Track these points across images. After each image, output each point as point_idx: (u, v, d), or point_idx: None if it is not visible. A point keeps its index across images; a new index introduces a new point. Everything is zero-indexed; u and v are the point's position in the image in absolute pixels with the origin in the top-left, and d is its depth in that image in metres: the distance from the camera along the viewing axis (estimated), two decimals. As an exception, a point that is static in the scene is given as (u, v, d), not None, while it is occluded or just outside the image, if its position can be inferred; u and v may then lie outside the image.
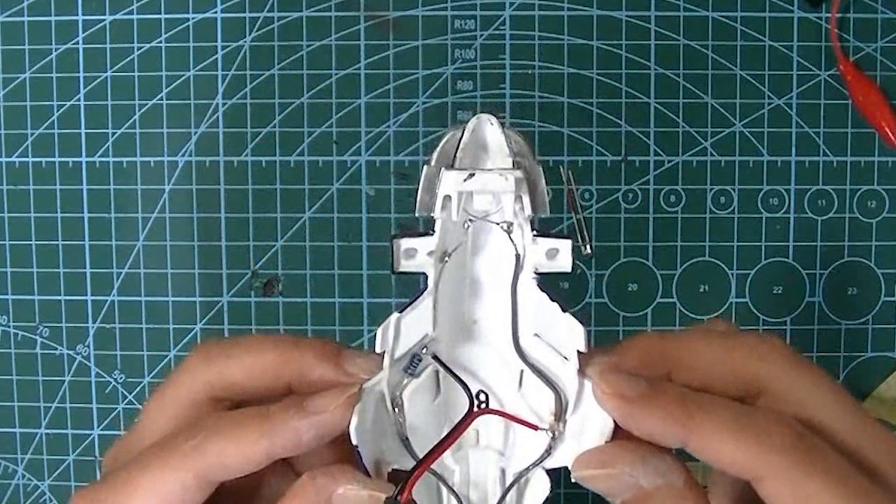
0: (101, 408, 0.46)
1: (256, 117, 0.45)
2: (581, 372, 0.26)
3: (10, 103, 0.46)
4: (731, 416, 0.23)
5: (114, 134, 0.45)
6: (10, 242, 0.46)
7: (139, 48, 0.45)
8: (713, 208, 0.45)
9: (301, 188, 0.45)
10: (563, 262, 0.27)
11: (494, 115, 0.27)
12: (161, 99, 0.45)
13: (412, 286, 0.46)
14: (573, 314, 0.26)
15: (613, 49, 0.45)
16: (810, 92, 0.45)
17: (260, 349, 0.26)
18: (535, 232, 0.27)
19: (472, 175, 0.26)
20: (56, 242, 0.46)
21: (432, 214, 0.27)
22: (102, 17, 0.45)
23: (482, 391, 0.28)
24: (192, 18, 0.45)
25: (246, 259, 0.46)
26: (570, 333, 0.26)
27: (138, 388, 0.46)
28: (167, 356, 0.46)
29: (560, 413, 0.27)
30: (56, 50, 0.45)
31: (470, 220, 0.27)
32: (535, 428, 0.27)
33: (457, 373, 0.27)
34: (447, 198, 0.26)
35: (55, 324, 0.46)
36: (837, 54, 0.44)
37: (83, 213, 0.46)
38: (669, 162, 0.45)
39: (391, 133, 0.45)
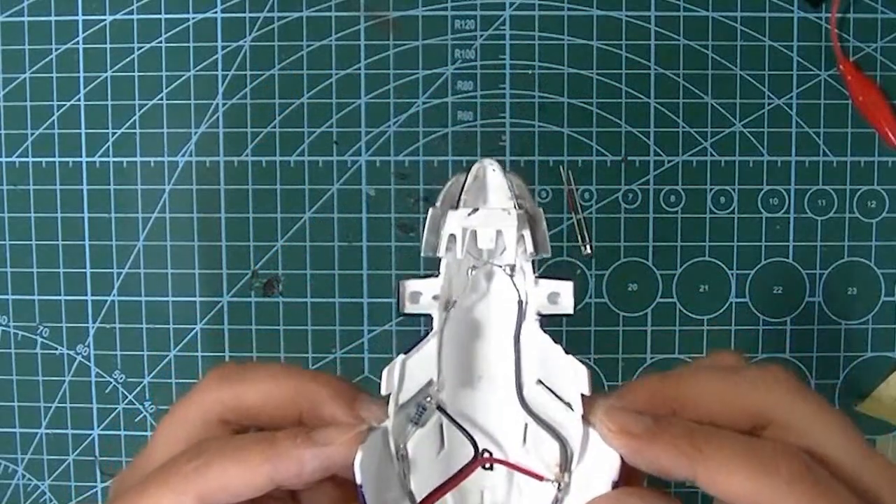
0: (101, 408, 0.46)
1: (256, 117, 0.45)
2: (586, 420, 0.26)
3: (10, 103, 0.46)
4: (739, 449, 0.23)
5: (114, 134, 0.45)
6: (10, 242, 0.46)
7: (139, 48, 0.45)
8: (713, 208, 0.45)
9: (301, 188, 0.45)
10: (566, 305, 0.28)
11: (496, 161, 0.28)
12: (161, 99, 0.45)
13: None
14: (577, 357, 0.26)
15: (613, 49, 0.45)
16: (810, 92, 0.45)
17: (278, 377, 0.26)
18: (536, 274, 0.27)
19: (475, 210, 0.27)
20: (56, 242, 0.46)
21: (437, 255, 0.27)
22: (102, 17, 0.45)
23: (486, 450, 0.28)
24: (192, 18, 0.45)
25: (246, 259, 0.46)
26: (574, 377, 0.26)
27: (138, 388, 0.46)
28: (167, 356, 0.46)
29: (566, 464, 0.27)
30: (56, 50, 0.45)
31: (473, 266, 0.28)
32: (541, 478, 0.27)
33: (461, 422, 0.27)
34: (452, 237, 0.27)
35: (55, 324, 0.46)
36: (837, 54, 0.44)
37: (83, 213, 0.46)
38: (669, 162, 0.45)
39: (391, 133, 0.45)
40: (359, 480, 0.24)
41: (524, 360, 0.28)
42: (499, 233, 0.27)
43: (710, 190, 0.45)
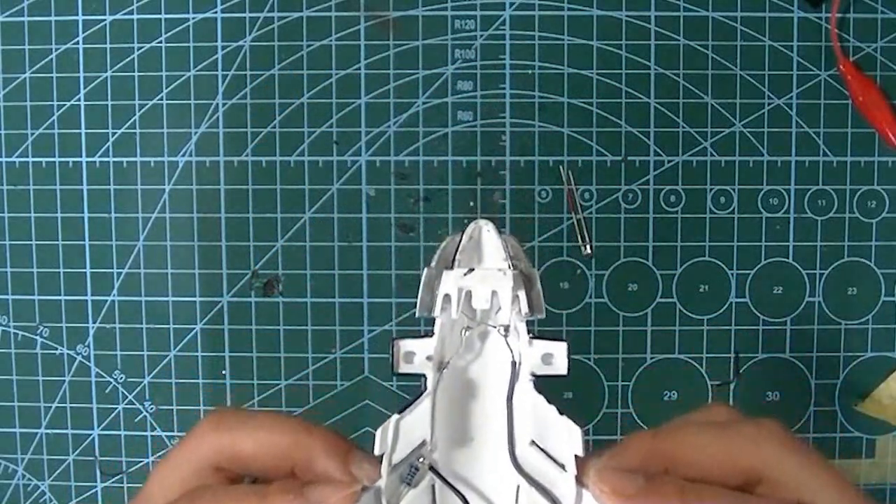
0: (101, 408, 0.46)
1: (256, 117, 0.45)
2: (579, 481, 0.26)
3: (10, 103, 0.46)
4: (721, 500, 0.24)
5: (114, 134, 0.45)
6: (10, 242, 0.46)
7: (139, 48, 0.45)
8: (713, 208, 0.45)
9: (301, 188, 0.45)
10: (559, 365, 0.27)
11: (491, 221, 0.28)
12: (161, 99, 0.45)
13: (412, 288, 0.46)
14: (570, 417, 0.26)
15: (613, 49, 0.45)
16: (810, 92, 0.45)
17: (274, 427, 0.26)
18: (531, 335, 0.27)
19: (471, 270, 0.27)
20: (56, 242, 0.46)
21: (433, 315, 0.27)
22: (102, 17, 0.45)
23: None
24: (192, 18, 0.45)
25: (246, 259, 0.46)
26: (567, 437, 0.26)
27: (138, 388, 0.46)
28: (167, 356, 0.46)
29: None
30: (56, 50, 0.45)
31: (468, 326, 0.28)
32: None
33: (454, 483, 0.27)
34: (447, 297, 0.27)
35: (55, 324, 0.46)
36: (837, 54, 0.44)
37: (83, 213, 0.46)
38: (669, 162, 0.45)
39: (391, 133, 0.45)
40: None
41: (517, 421, 0.27)
42: (494, 293, 0.27)
43: (710, 190, 0.45)
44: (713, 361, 0.45)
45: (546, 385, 0.40)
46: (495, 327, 0.28)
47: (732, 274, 0.45)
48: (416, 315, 0.27)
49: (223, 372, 0.46)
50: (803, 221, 0.45)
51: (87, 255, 0.46)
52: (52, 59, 0.45)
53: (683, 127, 0.45)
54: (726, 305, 0.45)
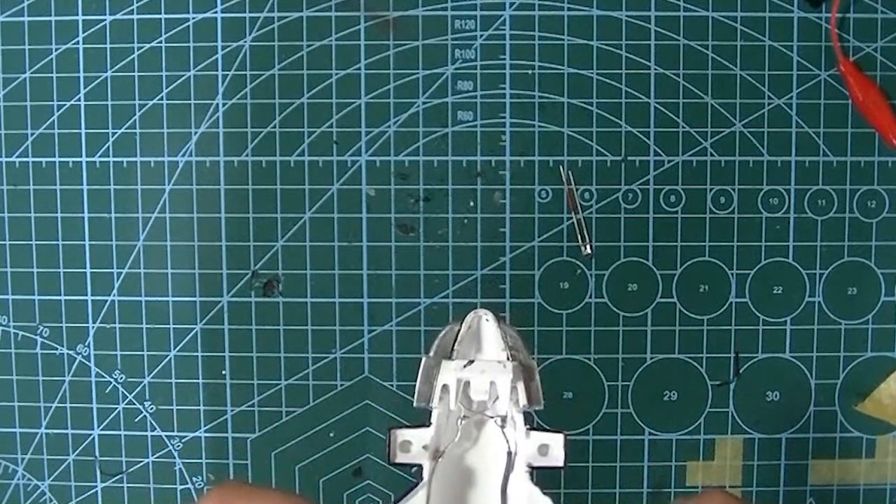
0: (101, 408, 0.46)
1: (256, 117, 0.45)
2: None
3: (10, 103, 0.46)
4: None
5: (114, 134, 0.45)
6: (10, 242, 0.46)
7: (139, 48, 0.45)
8: (713, 208, 0.45)
9: (301, 188, 0.45)
10: (556, 457, 0.27)
11: (491, 311, 0.28)
12: (161, 99, 0.45)
13: (412, 288, 0.46)
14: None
15: (613, 49, 0.45)
16: (810, 92, 0.45)
17: None
18: (528, 426, 0.27)
19: (470, 362, 0.27)
20: (56, 242, 0.46)
21: (430, 406, 0.27)
22: (102, 17, 0.45)
23: None
24: (192, 18, 0.45)
25: (246, 259, 0.46)
26: None
27: (138, 388, 0.46)
28: (167, 356, 0.46)
29: None
30: (56, 50, 0.45)
31: (465, 416, 0.28)
32: None
33: None
34: (445, 388, 0.27)
35: (55, 324, 0.46)
36: (837, 54, 0.44)
37: (83, 213, 0.46)
38: (669, 162, 0.45)
39: (391, 133, 0.45)
40: None
41: None
42: (492, 384, 0.27)
43: (710, 190, 0.45)
44: (713, 361, 0.45)
45: (547, 384, 0.40)
46: (492, 417, 0.28)
47: (732, 274, 0.45)
48: (414, 405, 0.28)
49: (223, 372, 0.46)
50: (803, 221, 0.45)
51: (87, 255, 0.46)
52: (52, 59, 0.45)
53: (683, 127, 0.45)
54: (726, 305, 0.45)
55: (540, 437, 0.27)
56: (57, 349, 0.46)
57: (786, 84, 0.45)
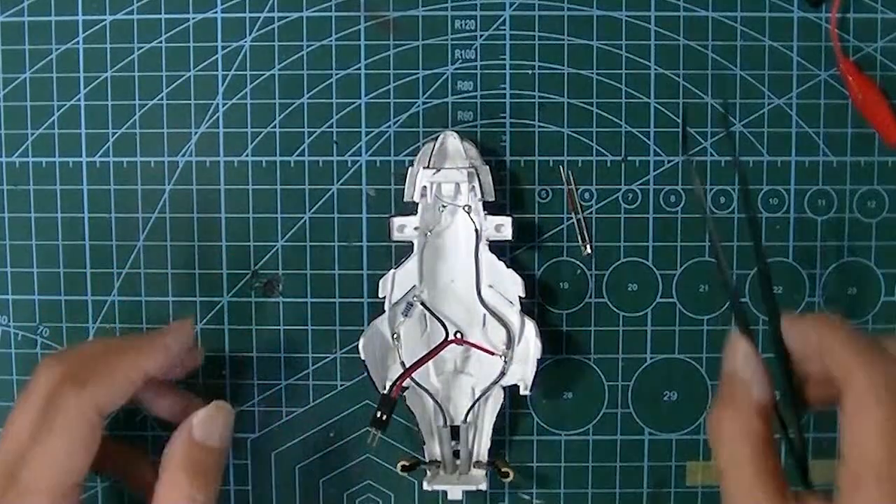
0: (101, 408, 0.46)
1: (256, 117, 0.45)
2: (523, 313, 0.41)
3: (10, 103, 0.46)
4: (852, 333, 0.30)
5: (114, 134, 0.45)
6: (10, 242, 0.46)
7: (139, 48, 0.45)
8: (713, 208, 0.45)
9: (301, 188, 0.45)
10: (507, 233, 0.41)
11: (455, 132, 0.41)
12: (161, 99, 0.45)
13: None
14: (518, 272, 0.41)
15: (613, 49, 0.45)
16: (810, 92, 0.45)
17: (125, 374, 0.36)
18: (486, 212, 0.41)
19: (438, 170, 0.41)
20: (56, 242, 0.46)
21: (415, 200, 0.41)
22: (102, 17, 0.45)
23: (458, 331, 0.42)
24: (193, 18, 0.45)
25: (246, 259, 0.46)
26: (512, 283, 0.41)
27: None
28: (167, 356, 0.46)
29: (509, 343, 0.41)
30: (56, 50, 0.45)
31: (443, 206, 0.41)
32: (492, 353, 0.41)
33: (437, 314, 0.41)
34: (424, 188, 0.41)
35: (55, 324, 0.46)
36: (837, 54, 0.44)
37: (83, 213, 0.46)
38: (669, 162, 0.45)
39: (391, 133, 0.45)
40: (363, 357, 0.41)
41: (481, 271, 0.41)
42: (456, 184, 0.41)
43: (711, 190, 0.45)
44: (713, 361, 0.45)
45: (547, 384, 0.43)
46: (461, 206, 0.41)
47: (732, 274, 0.45)
48: (404, 199, 0.42)
49: (223, 372, 0.46)
50: (803, 221, 0.45)
51: (87, 255, 0.46)
52: (52, 59, 0.45)
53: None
54: (726, 305, 0.45)
55: (495, 219, 0.41)
56: (57, 349, 0.46)
57: (786, 84, 0.45)
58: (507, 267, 0.41)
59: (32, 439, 0.33)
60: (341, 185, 0.45)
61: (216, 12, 0.45)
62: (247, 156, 0.45)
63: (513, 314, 0.41)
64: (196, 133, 0.45)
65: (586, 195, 0.45)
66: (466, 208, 0.41)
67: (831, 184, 0.45)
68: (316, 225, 0.45)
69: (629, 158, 0.45)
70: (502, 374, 0.41)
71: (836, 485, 0.27)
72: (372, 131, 0.45)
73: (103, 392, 0.34)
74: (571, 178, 0.45)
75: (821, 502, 0.28)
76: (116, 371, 0.35)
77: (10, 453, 0.33)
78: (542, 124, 0.45)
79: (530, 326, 0.41)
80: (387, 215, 0.43)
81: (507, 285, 0.41)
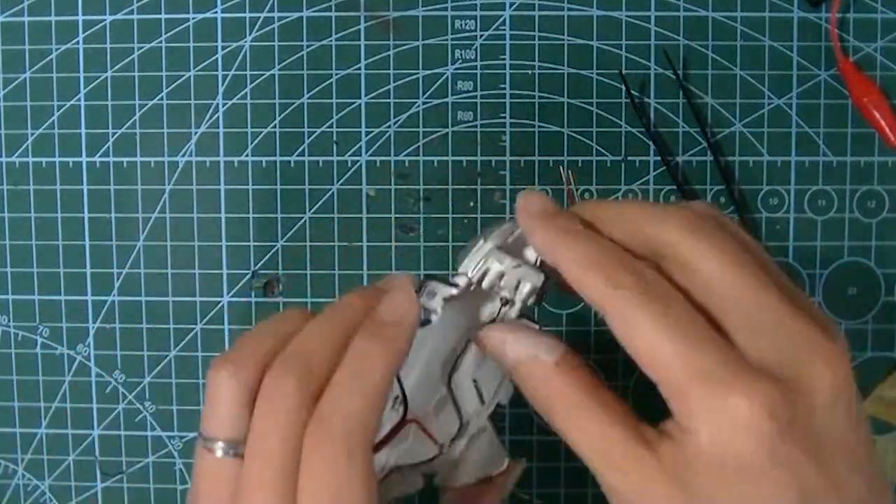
0: (101, 408, 0.46)
1: (256, 117, 0.45)
2: (491, 419, 0.33)
3: (10, 103, 0.46)
4: (587, 253, 0.26)
5: (114, 134, 0.45)
6: (10, 242, 0.46)
7: (139, 48, 0.45)
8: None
9: (301, 188, 0.45)
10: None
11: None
12: (161, 99, 0.45)
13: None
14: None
15: (613, 49, 0.45)
16: (810, 92, 0.45)
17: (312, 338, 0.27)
18: (518, 317, 0.31)
19: (519, 266, 0.31)
20: (56, 242, 0.46)
21: (469, 277, 0.31)
22: (102, 17, 0.45)
23: (415, 418, 0.32)
24: (193, 18, 0.45)
25: (246, 259, 0.46)
26: (499, 390, 0.33)
27: (138, 388, 0.46)
28: (167, 356, 0.46)
29: (455, 437, 0.32)
30: (56, 50, 0.45)
31: (502, 297, 0.31)
32: (434, 441, 0.32)
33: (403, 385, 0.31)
34: (487, 271, 0.31)
35: (55, 324, 0.46)
36: (837, 54, 0.44)
37: (83, 213, 0.46)
38: (669, 162, 0.45)
39: (391, 133, 0.45)
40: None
41: (465, 358, 0.32)
42: (520, 281, 0.30)
43: (711, 190, 0.45)
44: (713, 361, 0.45)
45: None
46: (503, 299, 0.31)
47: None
48: (458, 268, 0.31)
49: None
50: (803, 221, 0.45)
51: (87, 255, 0.46)
52: (52, 59, 0.45)
53: (683, 127, 0.45)
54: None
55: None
56: (57, 349, 0.46)
57: (786, 84, 0.45)
58: (510, 380, 0.32)
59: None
60: (341, 185, 0.45)
61: (216, 12, 0.45)
62: (247, 156, 0.45)
63: (477, 416, 0.33)
64: (196, 133, 0.45)
65: (586, 195, 0.45)
66: (504, 300, 0.31)
67: (831, 184, 0.45)
68: (316, 225, 0.45)
69: (629, 158, 0.45)
70: (430, 460, 0.33)
71: (668, 405, 0.26)
72: (372, 131, 0.45)
73: (365, 423, 0.26)
74: (571, 178, 0.45)
75: (669, 425, 0.26)
76: (364, 391, 0.26)
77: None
78: (542, 124, 0.45)
79: (485, 437, 0.33)
80: (387, 215, 0.43)
81: (492, 387, 0.33)
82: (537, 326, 0.30)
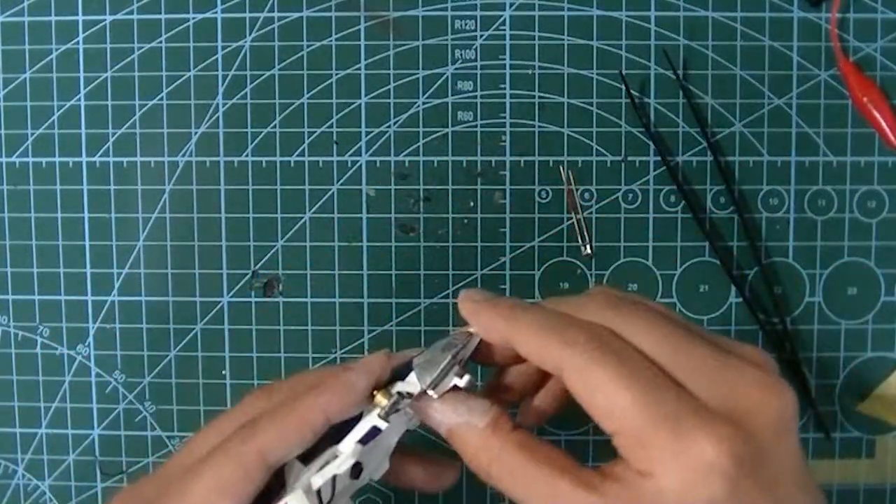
0: (101, 408, 0.46)
1: (256, 117, 0.45)
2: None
3: (10, 103, 0.46)
4: (541, 319, 0.28)
5: (114, 134, 0.45)
6: (10, 242, 0.46)
7: (139, 48, 0.45)
8: (713, 208, 0.45)
9: (301, 188, 0.45)
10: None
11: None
12: (161, 99, 0.45)
13: (412, 288, 0.46)
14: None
15: (613, 49, 0.45)
16: (810, 92, 0.45)
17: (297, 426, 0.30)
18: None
19: (465, 378, 0.31)
20: (56, 242, 0.46)
21: (432, 394, 0.31)
22: (102, 17, 0.45)
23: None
24: (193, 18, 0.45)
25: (246, 259, 0.46)
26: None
27: (138, 388, 0.46)
28: (167, 356, 0.46)
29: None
30: (56, 50, 0.45)
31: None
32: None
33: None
34: (455, 386, 0.31)
35: (55, 324, 0.46)
36: (837, 54, 0.44)
37: (83, 213, 0.46)
38: (669, 162, 0.45)
39: (391, 133, 0.45)
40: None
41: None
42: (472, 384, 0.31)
43: (710, 190, 0.45)
44: (713, 361, 0.45)
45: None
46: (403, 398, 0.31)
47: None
48: (424, 386, 0.30)
49: (223, 372, 0.46)
50: (803, 221, 0.45)
51: (87, 255, 0.46)
52: (52, 59, 0.45)
53: (683, 127, 0.45)
54: (726, 305, 0.45)
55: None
56: (57, 349, 0.46)
57: (786, 84, 0.45)
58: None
59: (188, 469, 0.30)
60: (341, 185, 0.45)
61: (216, 12, 0.45)
62: (247, 156, 0.45)
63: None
64: (196, 133, 0.45)
65: (586, 195, 0.45)
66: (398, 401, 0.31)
67: (831, 184, 0.45)
68: (316, 225, 0.45)
69: (629, 158, 0.45)
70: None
71: (620, 452, 0.26)
72: (372, 131, 0.45)
73: (271, 438, 0.29)
74: (571, 178, 0.45)
75: (618, 469, 0.26)
76: (290, 415, 0.30)
77: (176, 467, 0.30)
78: (542, 124, 0.45)
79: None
80: (387, 215, 0.43)
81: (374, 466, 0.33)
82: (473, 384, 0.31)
